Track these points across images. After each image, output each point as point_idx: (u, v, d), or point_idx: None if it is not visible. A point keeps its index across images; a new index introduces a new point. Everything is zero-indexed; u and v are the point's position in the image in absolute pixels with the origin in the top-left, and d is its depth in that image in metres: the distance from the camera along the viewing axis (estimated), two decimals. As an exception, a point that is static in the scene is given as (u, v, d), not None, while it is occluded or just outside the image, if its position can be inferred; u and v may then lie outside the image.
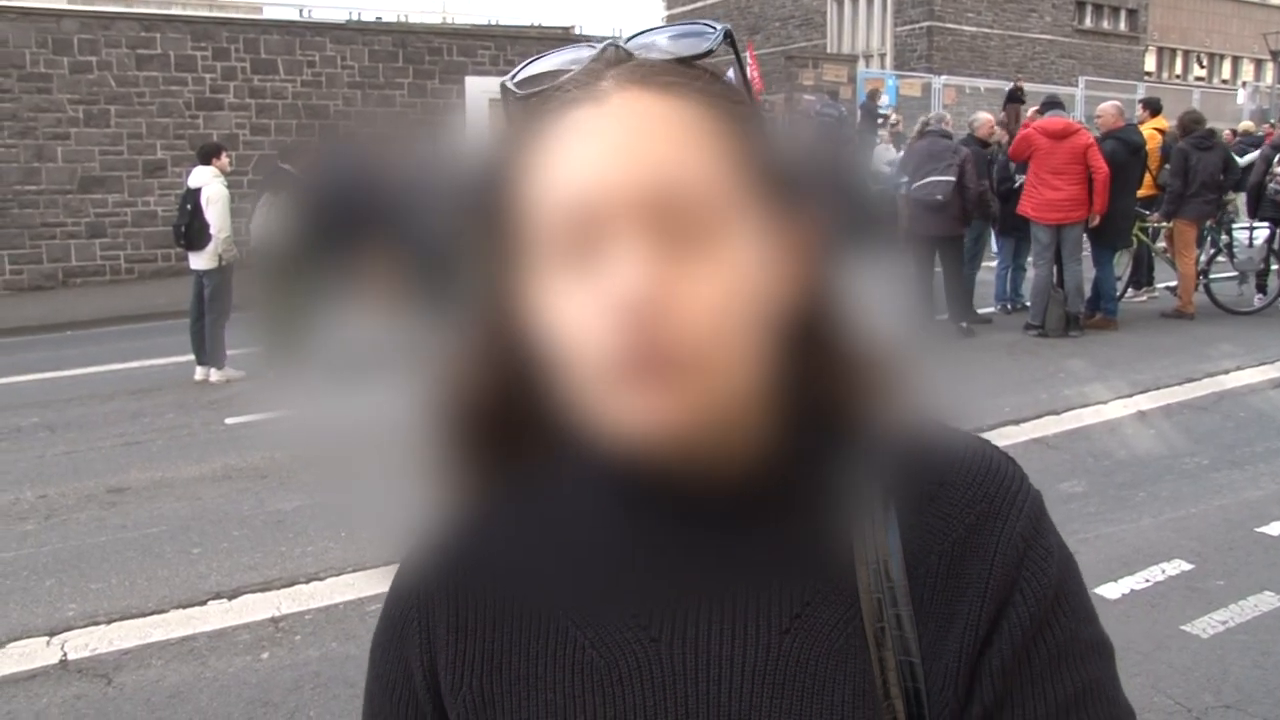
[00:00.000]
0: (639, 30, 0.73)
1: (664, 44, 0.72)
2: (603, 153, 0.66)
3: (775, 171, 0.70)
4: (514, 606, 0.76)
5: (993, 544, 0.70)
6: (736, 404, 0.68)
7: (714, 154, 0.67)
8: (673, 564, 0.73)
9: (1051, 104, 10.00)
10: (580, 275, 0.66)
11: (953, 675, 0.68)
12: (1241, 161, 10.98)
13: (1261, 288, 10.58)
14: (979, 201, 9.57)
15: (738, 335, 0.66)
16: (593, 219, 0.65)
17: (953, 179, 9.25)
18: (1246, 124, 14.06)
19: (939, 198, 9.24)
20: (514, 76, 0.74)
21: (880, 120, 17.05)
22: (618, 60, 0.71)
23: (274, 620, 4.26)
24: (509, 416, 0.77)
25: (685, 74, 0.70)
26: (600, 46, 0.72)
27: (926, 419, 0.77)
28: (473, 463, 0.80)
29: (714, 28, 0.72)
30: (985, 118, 10.97)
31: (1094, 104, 11.71)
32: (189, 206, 8.84)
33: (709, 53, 0.72)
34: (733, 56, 0.75)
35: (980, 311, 10.11)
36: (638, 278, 0.63)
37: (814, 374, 0.73)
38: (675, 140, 0.66)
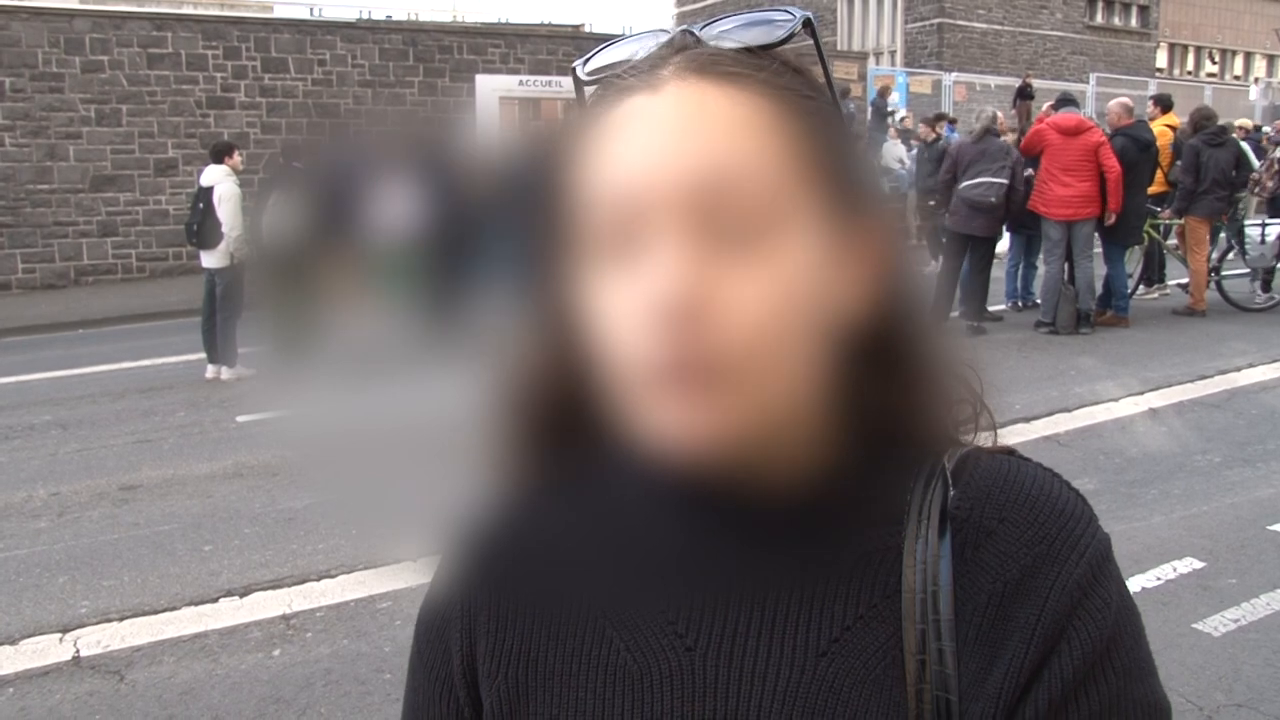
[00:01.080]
0: (713, 18, 0.70)
1: (736, 32, 0.68)
2: (651, 143, 0.64)
3: (844, 171, 0.67)
4: (555, 601, 0.75)
5: (1046, 589, 0.66)
6: (786, 413, 0.66)
7: (771, 149, 0.64)
8: (715, 573, 0.71)
9: (1066, 100, 9.95)
10: (625, 272, 0.64)
11: None
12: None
13: (1267, 286, 10.52)
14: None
15: (787, 341, 0.64)
16: (637, 213, 0.63)
17: (1006, 181, 9.17)
18: (1244, 121, 14.00)
19: (992, 200, 9.19)
20: (585, 62, 0.72)
21: (898, 117, 17.06)
22: (684, 47, 0.68)
23: (285, 618, 4.27)
24: (565, 405, 0.75)
25: (750, 63, 0.66)
26: (672, 32, 0.70)
27: (996, 447, 0.74)
28: (528, 447, 0.79)
29: (792, 14, 0.69)
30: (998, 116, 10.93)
31: (1105, 101, 11.68)
32: (201, 205, 8.87)
33: (783, 42, 0.68)
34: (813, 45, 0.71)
35: (991, 309, 10.09)
36: (675, 278, 0.61)
37: (880, 386, 0.70)
38: (728, 132, 0.63)
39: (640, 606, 0.72)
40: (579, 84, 0.73)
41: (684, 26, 0.70)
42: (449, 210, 8.79)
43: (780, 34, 0.68)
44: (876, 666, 0.67)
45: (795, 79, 0.68)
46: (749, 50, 0.67)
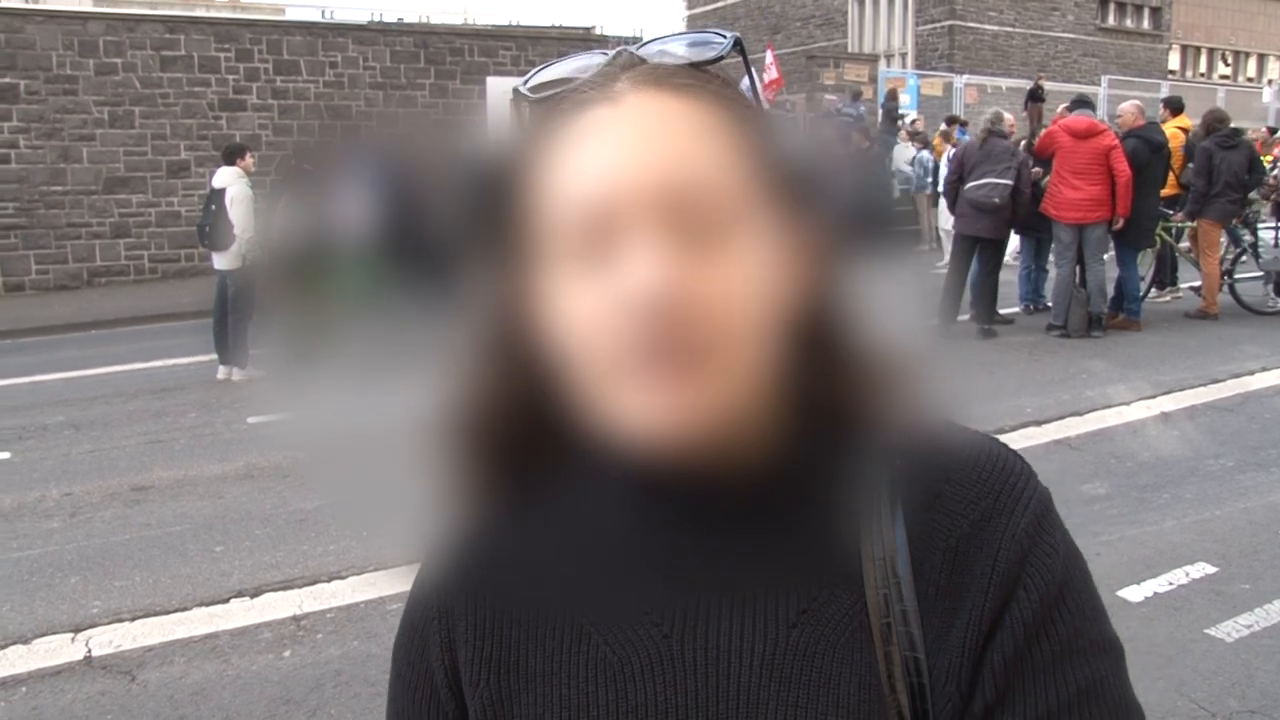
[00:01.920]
0: (650, 38, 0.75)
1: (675, 49, 0.73)
2: (619, 151, 0.67)
3: (783, 174, 0.72)
4: (531, 604, 0.77)
5: (996, 540, 0.70)
6: (750, 400, 0.69)
7: (729, 153, 0.68)
8: (685, 560, 0.73)
9: (1081, 102, 9.90)
10: (595, 273, 0.66)
11: (956, 670, 0.68)
12: None
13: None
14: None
15: (752, 331, 0.67)
16: (609, 217, 0.66)
17: (1010, 182, 9.14)
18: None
19: (996, 200, 9.16)
20: (527, 81, 0.75)
21: (908, 120, 17.00)
22: (630, 64, 0.72)
23: (296, 619, 4.28)
24: (521, 421, 0.77)
25: (699, 76, 0.71)
26: (613, 52, 0.73)
27: (936, 418, 0.77)
28: (486, 469, 0.81)
29: (724, 36, 0.74)
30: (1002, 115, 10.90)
31: (1117, 103, 11.62)
32: (213, 207, 8.91)
33: (719, 59, 0.73)
34: (742, 63, 0.77)
35: (1002, 312, 10.06)
36: (657, 273, 0.64)
37: (819, 372, 0.73)
38: (691, 139, 0.67)
39: (615, 600, 0.74)
40: (521, 101, 0.76)
41: (622, 46, 0.74)
42: (408, 211, 8.71)
43: (715, 52, 0.73)
44: (845, 632, 0.70)
45: (737, 91, 0.73)
46: (692, 65, 0.72)
